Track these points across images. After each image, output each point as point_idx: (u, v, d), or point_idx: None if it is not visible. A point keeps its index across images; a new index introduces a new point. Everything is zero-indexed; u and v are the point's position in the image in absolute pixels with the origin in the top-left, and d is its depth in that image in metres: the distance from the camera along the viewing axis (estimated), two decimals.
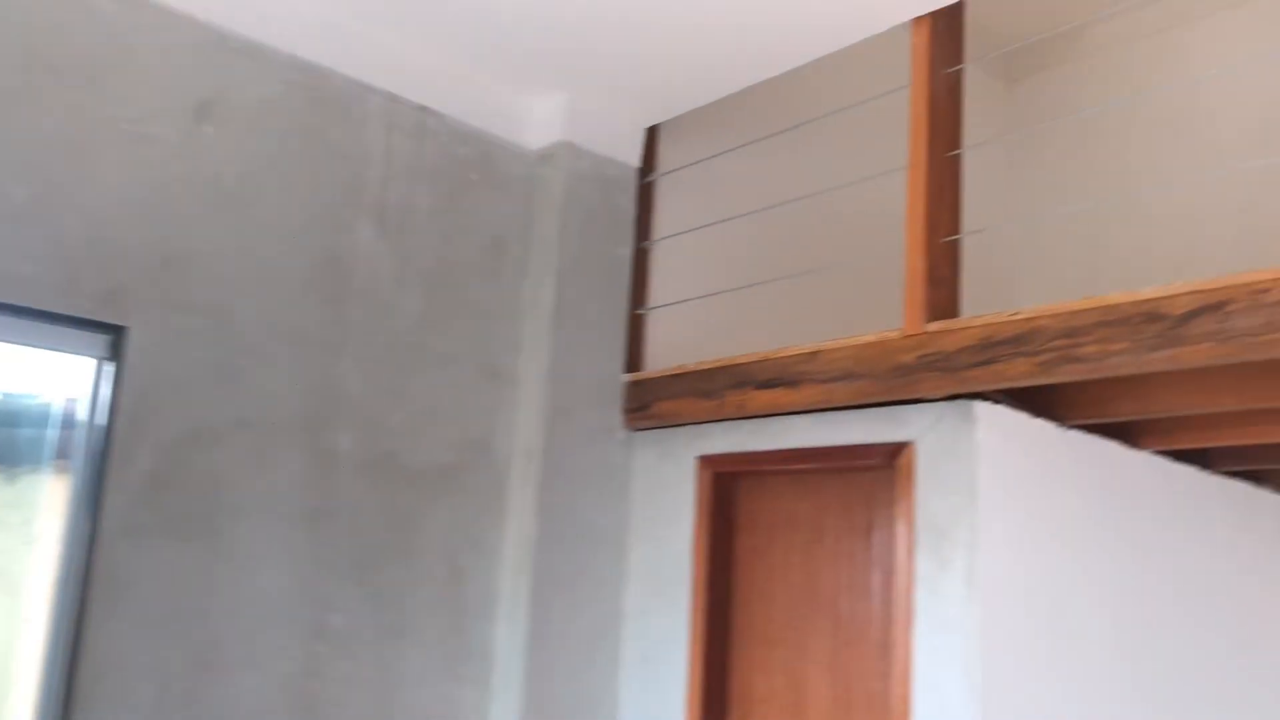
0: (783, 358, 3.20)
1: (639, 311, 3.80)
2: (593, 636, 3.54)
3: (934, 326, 2.87)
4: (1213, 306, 2.35)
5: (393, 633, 3.23)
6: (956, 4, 3.10)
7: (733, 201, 4.02)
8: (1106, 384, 3.04)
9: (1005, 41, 4.31)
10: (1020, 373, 2.67)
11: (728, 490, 3.51)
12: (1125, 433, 3.41)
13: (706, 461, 3.50)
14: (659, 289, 3.89)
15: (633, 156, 3.84)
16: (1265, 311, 2.27)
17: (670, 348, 3.87)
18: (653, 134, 3.93)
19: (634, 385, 3.70)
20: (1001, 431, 2.94)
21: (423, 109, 3.45)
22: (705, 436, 3.53)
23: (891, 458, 3.03)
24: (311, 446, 3.11)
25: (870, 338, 3.00)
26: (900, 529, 2.97)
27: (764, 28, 3.24)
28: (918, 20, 3.09)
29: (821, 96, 3.98)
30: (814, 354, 3.12)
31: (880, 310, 4.38)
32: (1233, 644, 3.77)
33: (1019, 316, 2.68)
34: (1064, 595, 3.10)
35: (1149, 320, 2.45)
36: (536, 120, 3.71)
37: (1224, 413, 3.25)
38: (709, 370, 3.42)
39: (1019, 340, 2.68)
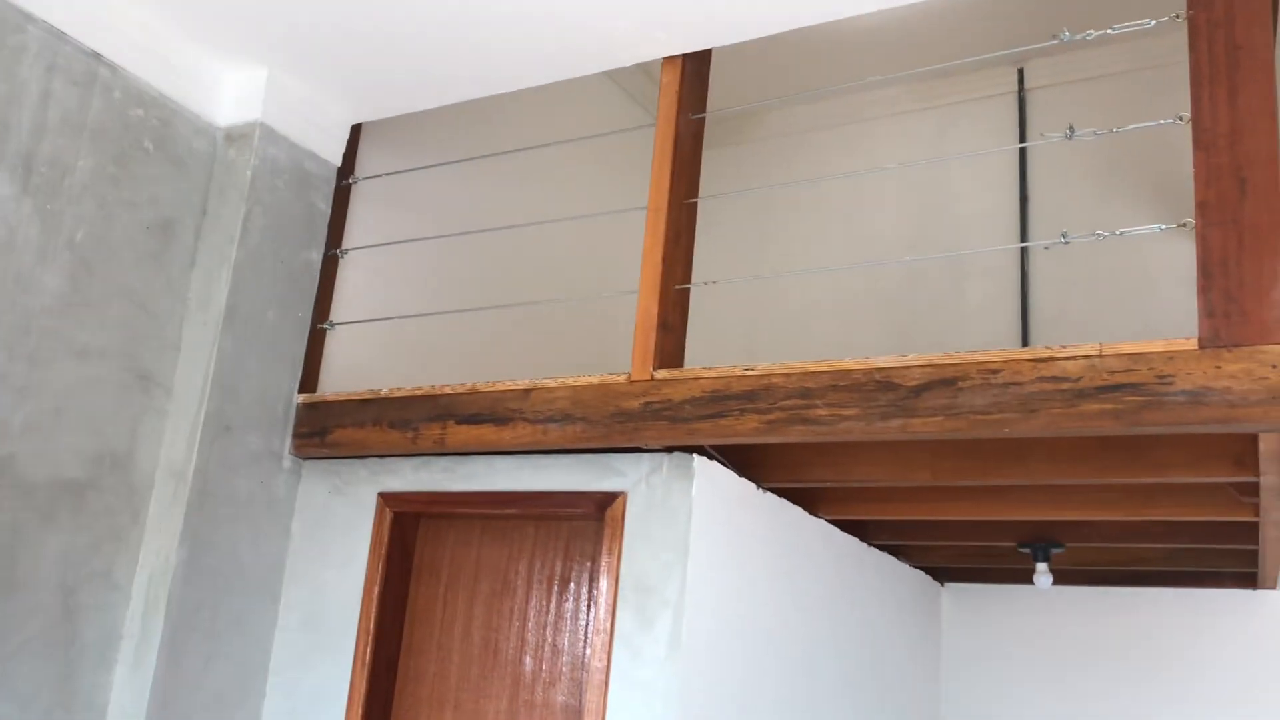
0: (494, 392, 2.95)
1: (323, 326, 3.41)
2: (234, 690, 3.06)
3: (662, 374, 2.75)
4: (945, 381, 2.40)
5: None
6: (706, 51, 3.06)
7: (441, 221, 3.74)
8: (810, 448, 3.07)
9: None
10: (749, 430, 2.60)
11: (410, 532, 3.18)
12: (807, 499, 3.46)
13: (389, 499, 3.16)
14: (347, 304, 3.51)
15: (334, 153, 3.46)
16: (994, 391, 2.34)
17: (352, 371, 3.50)
18: (357, 133, 3.58)
19: (310, 408, 3.29)
20: (714, 488, 2.87)
21: (95, 56, 2.90)
22: (391, 471, 3.19)
23: (601, 508, 2.86)
24: None
25: (593, 380, 2.83)
26: (603, 584, 2.80)
27: (501, 40, 3.03)
28: (669, 60, 3.01)
29: (544, 126, 3.82)
30: (529, 391, 2.90)
31: (581, 356, 4.27)
32: (878, 693, 3.93)
33: (752, 372, 2.62)
34: (758, 657, 3.05)
35: (883, 389, 2.46)
36: (230, 94, 3.25)
37: (895, 487, 3.39)
38: (405, 399, 3.10)
39: (750, 397, 2.61)
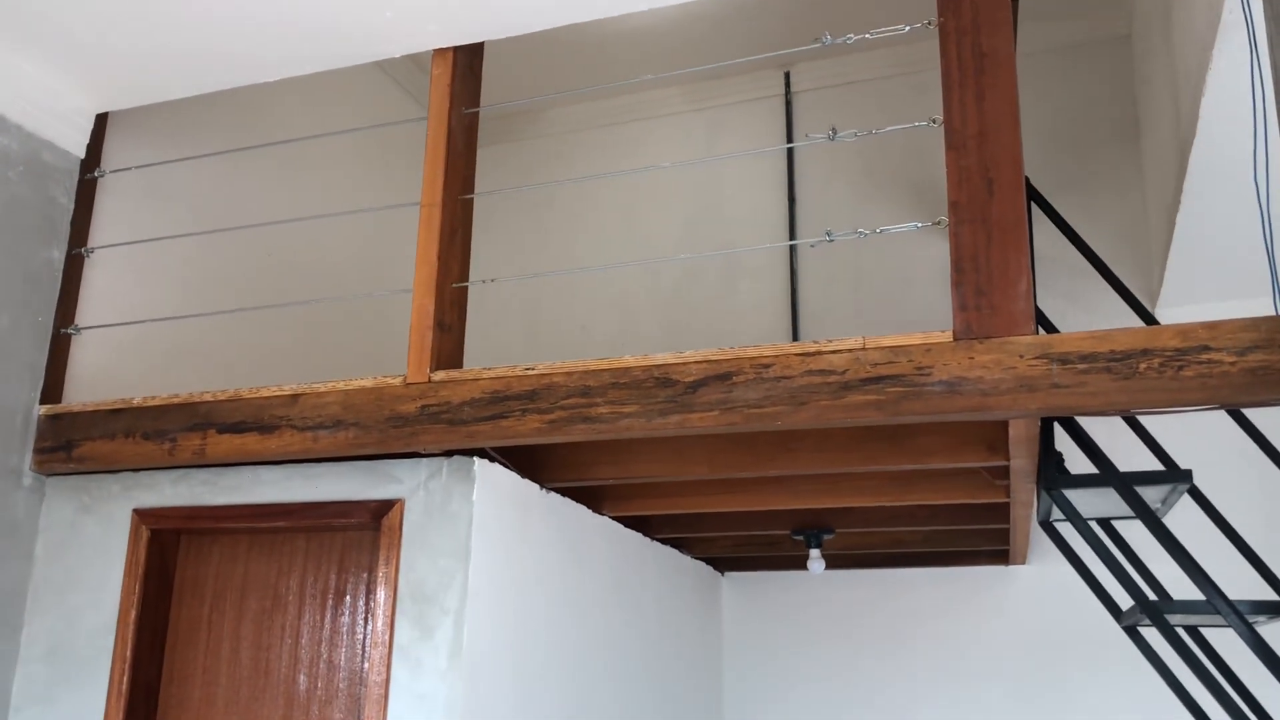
0: (258, 399, 2.80)
1: (67, 331, 3.14)
2: None
3: (440, 376, 2.67)
4: (720, 376, 2.43)
5: None
6: (478, 45, 3.00)
7: (200, 218, 3.53)
8: (592, 447, 3.06)
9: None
10: (531, 430, 2.56)
11: (169, 551, 2.98)
12: (591, 497, 3.46)
13: (145, 516, 2.94)
14: (95, 307, 3.25)
15: (77, 144, 3.20)
16: (766, 385, 2.39)
17: (102, 379, 3.25)
18: (104, 123, 3.32)
19: (53, 420, 3.02)
20: (495, 491, 2.81)
21: None
22: (147, 486, 2.97)
23: (377, 517, 2.76)
24: None
25: (366, 383, 2.72)
26: (381, 596, 2.70)
27: (261, 27, 2.87)
28: (440, 53, 2.93)
29: (314, 120, 3.66)
30: (296, 397, 2.77)
31: (354, 361, 4.11)
32: (663, 686, 3.97)
33: (532, 372, 2.58)
34: (541, 661, 3.02)
35: (661, 385, 2.48)
36: None
37: (675, 482, 3.44)
38: (160, 408, 2.89)
39: (531, 396, 2.58)
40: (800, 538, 3.82)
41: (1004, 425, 2.68)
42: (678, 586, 4.28)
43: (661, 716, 4.01)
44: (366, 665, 2.71)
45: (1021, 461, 2.66)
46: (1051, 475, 2.46)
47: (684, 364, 2.47)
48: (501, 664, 2.79)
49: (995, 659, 4.41)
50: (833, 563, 4.63)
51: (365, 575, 2.81)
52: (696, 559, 4.56)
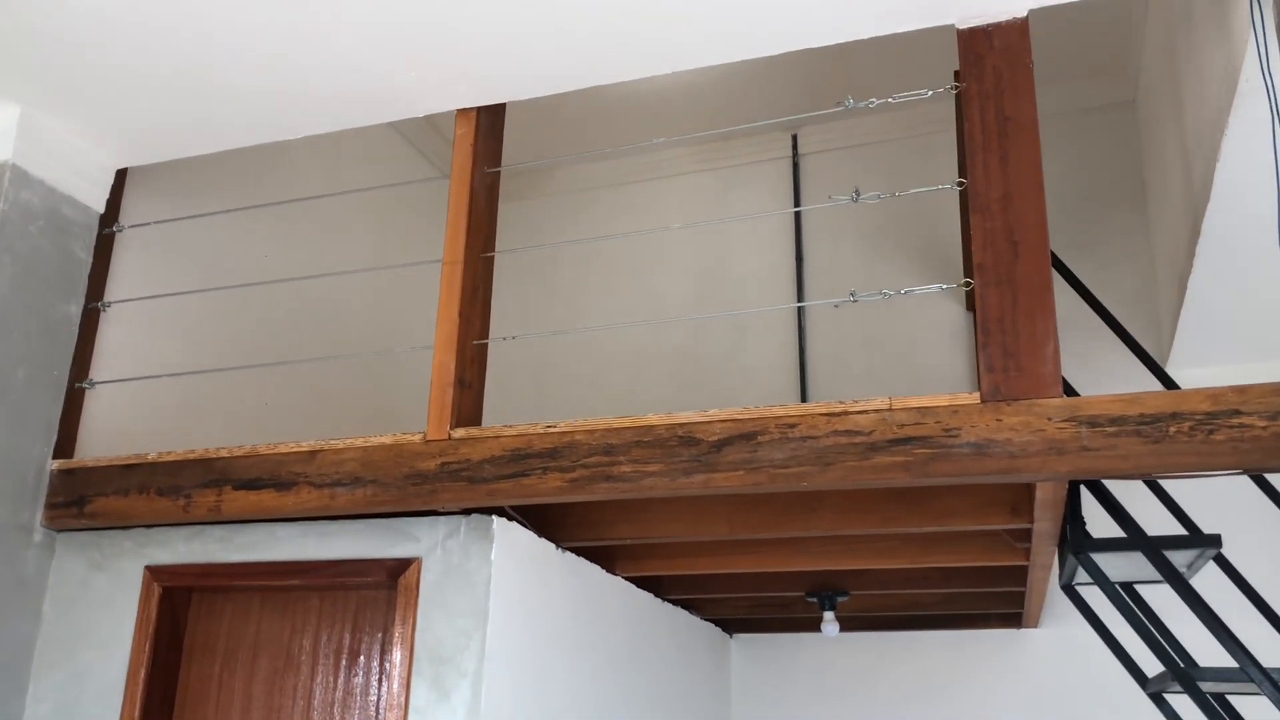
0: (275, 455, 2.78)
1: (81, 385, 3.13)
2: None
3: (460, 433, 2.66)
4: (745, 436, 2.42)
5: None
6: (500, 105, 3.03)
7: (215, 274, 3.54)
8: (611, 506, 3.04)
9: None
10: (552, 489, 2.54)
11: (181, 609, 2.94)
12: (605, 557, 3.43)
13: (157, 573, 2.90)
14: (110, 361, 3.25)
15: (97, 199, 3.21)
16: (791, 445, 2.38)
17: (116, 435, 3.23)
18: (123, 178, 3.33)
19: (65, 475, 3.00)
20: (513, 550, 2.79)
21: None
22: (160, 543, 2.94)
23: (394, 575, 2.73)
24: None
25: (386, 440, 2.71)
26: (396, 656, 2.66)
27: (283, 90, 2.90)
28: (464, 113, 2.95)
29: (327, 181, 3.68)
30: (314, 453, 2.75)
31: (368, 420, 4.10)
32: None
33: (554, 430, 2.57)
34: (553, 707, 2.98)
35: (685, 444, 2.47)
36: None
37: (691, 542, 3.41)
38: (176, 463, 2.87)
39: (552, 454, 2.56)
40: (814, 600, 3.79)
41: (1028, 487, 2.67)
42: (688, 647, 4.23)
43: None
44: None
45: (1045, 524, 2.64)
46: (1079, 539, 2.44)
47: (708, 423, 2.46)
48: None
49: (1015, 715, 4.35)
50: (844, 624, 4.58)
51: (380, 635, 2.77)
52: (706, 620, 4.51)
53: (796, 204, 5.25)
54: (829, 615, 3.77)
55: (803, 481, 2.36)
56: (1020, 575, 3.44)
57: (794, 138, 5.37)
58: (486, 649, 2.61)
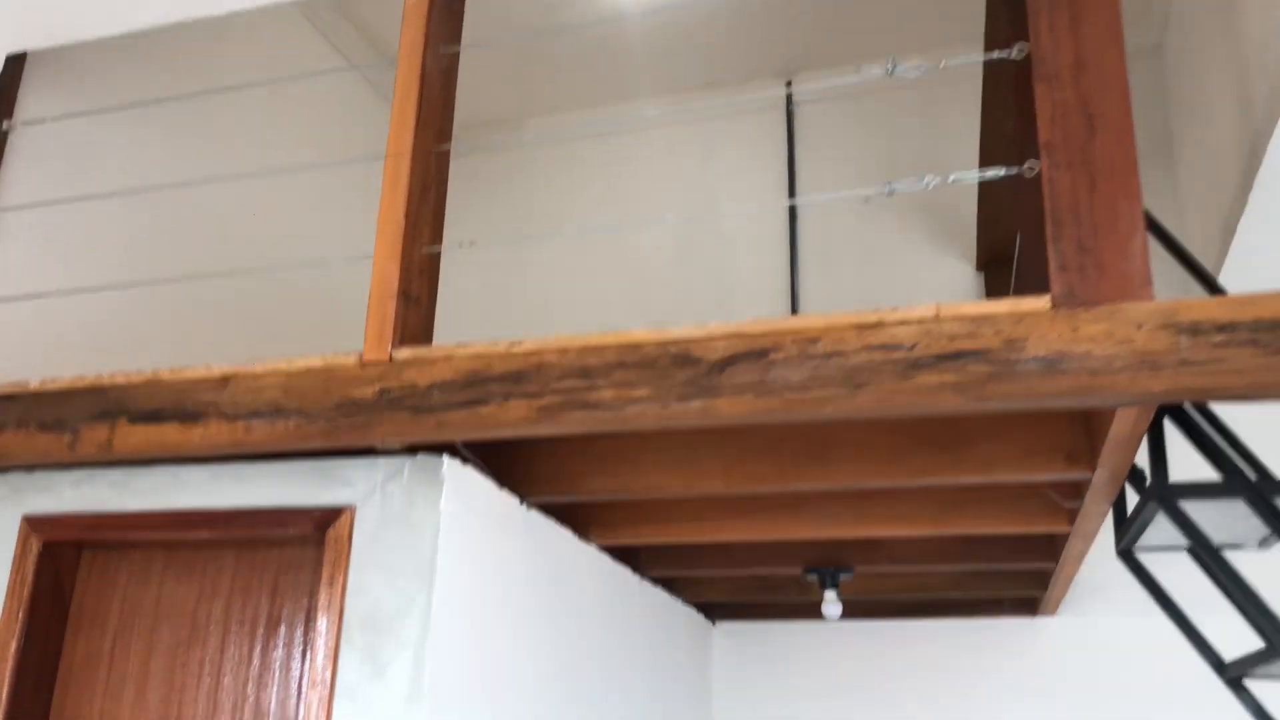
0: (181, 382, 2.29)
1: None
2: None
3: (404, 354, 2.18)
4: (754, 354, 1.96)
5: None
6: None
7: (124, 182, 3.05)
8: (585, 454, 2.58)
9: None
10: (517, 419, 2.07)
11: (66, 567, 2.44)
12: (578, 520, 2.97)
13: (37, 525, 2.41)
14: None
15: None
16: (813, 363, 1.92)
17: (4, 364, 2.74)
18: (20, 70, 2.84)
19: None
20: (467, 499, 2.32)
21: None
22: (42, 488, 2.45)
23: (321, 527, 2.25)
24: None
25: (314, 362, 2.23)
26: (322, 624, 2.19)
27: None
28: None
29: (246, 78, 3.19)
30: (227, 380, 2.26)
31: (299, 348, 3.61)
32: None
33: (519, 350, 2.10)
34: (516, 712, 2.50)
35: (679, 364, 2.00)
36: None
37: (676, 504, 2.97)
38: (61, 393, 2.38)
39: (516, 379, 2.09)
40: (814, 577, 3.34)
41: (1089, 428, 2.23)
42: (668, 633, 3.77)
43: None
44: (303, 710, 2.19)
45: (1107, 473, 2.20)
46: (1163, 485, 1.99)
47: (708, 339, 2.00)
48: (470, 705, 2.27)
49: (1024, 714, 3.91)
50: (842, 610, 4.14)
51: (305, 600, 2.29)
52: (688, 604, 4.05)
53: (790, 158, 4.82)
54: (830, 595, 3.32)
55: (826, 408, 1.90)
56: (1054, 547, 3.00)
57: (788, 84, 4.93)
58: (432, 616, 2.14)
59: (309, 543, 2.30)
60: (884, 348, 1.89)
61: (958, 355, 1.84)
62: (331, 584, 2.20)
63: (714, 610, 4.26)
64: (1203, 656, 2.28)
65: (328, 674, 2.15)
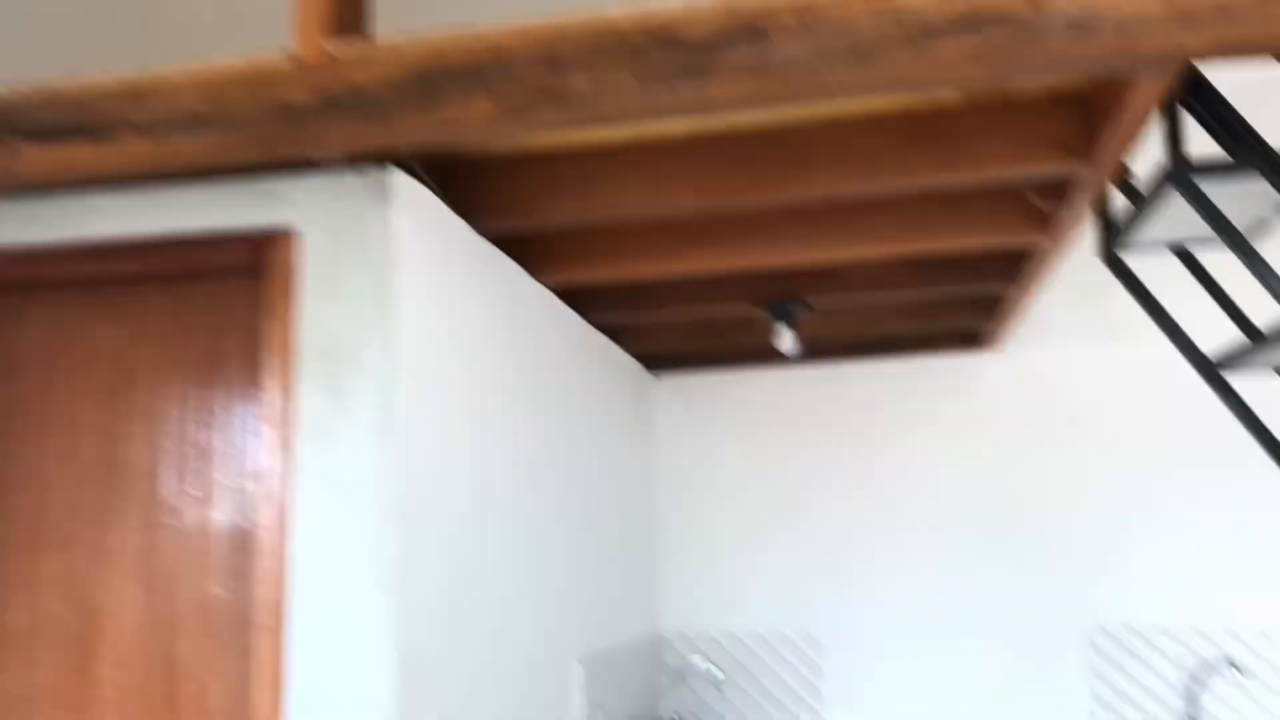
0: (83, 92, 2.00)
1: None
2: None
3: (342, 50, 1.92)
4: (748, 30, 1.76)
5: None
6: None
7: None
8: (543, 171, 2.38)
9: None
10: (479, 118, 1.84)
11: None
12: (529, 254, 2.80)
13: None
14: None
15: None
16: (815, 38, 1.72)
17: None
18: None
19: None
20: (420, 220, 2.12)
21: None
22: None
23: (263, 251, 2.04)
24: None
25: (236, 64, 1.95)
26: (274, 360, 2.01)
27: None
28: None
29: None
30: (139, 88, 1.98)
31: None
32: (604, 494, 3.41)
33: (477, 37, 1.86)
34: (485, 447, 2.39)
35: (663, 47, 1.79)
36: None
37: (633, 235, 2.81)
38: None
39: (477, 73, 1.86)
40: (768, 313, 3.24)
41: (1089, 119, 2.10)
42: (614, 384, 3.69)
43: (602, 524, 3.46)
44: (259, 449, 2.03)
45: (1103, 166, 2.09)
46: (1179, 159, 1.88)
47: (695, 17, 1.78)
48: (443, 444, 2.15)
49: (962, 454, 3.98)
50: (783, 357, 4.11)
51: (252, 332, 2.10)
52: (632, 354, 3.96)
53: None
54: (785, 330, 3.24)
55: (831, 86, 1.72)
56: (1017, 268, 2.94)
57: None
58: (396, 341, 1.97)
59: (251, 273, 2.08)
60: (894, 15, 1.70)
61: (976, 20, 1.67)
62: (283, 312, 2.00)
63: (657, 362, 4.19)
64: (1184, 354, 2.26)
65: (287, 412, 1.98)
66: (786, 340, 3.24)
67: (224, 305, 2.12)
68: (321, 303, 2.00)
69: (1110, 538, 3.83)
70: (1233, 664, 3.65)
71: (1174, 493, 3.80)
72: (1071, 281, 3.83)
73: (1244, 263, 1.78)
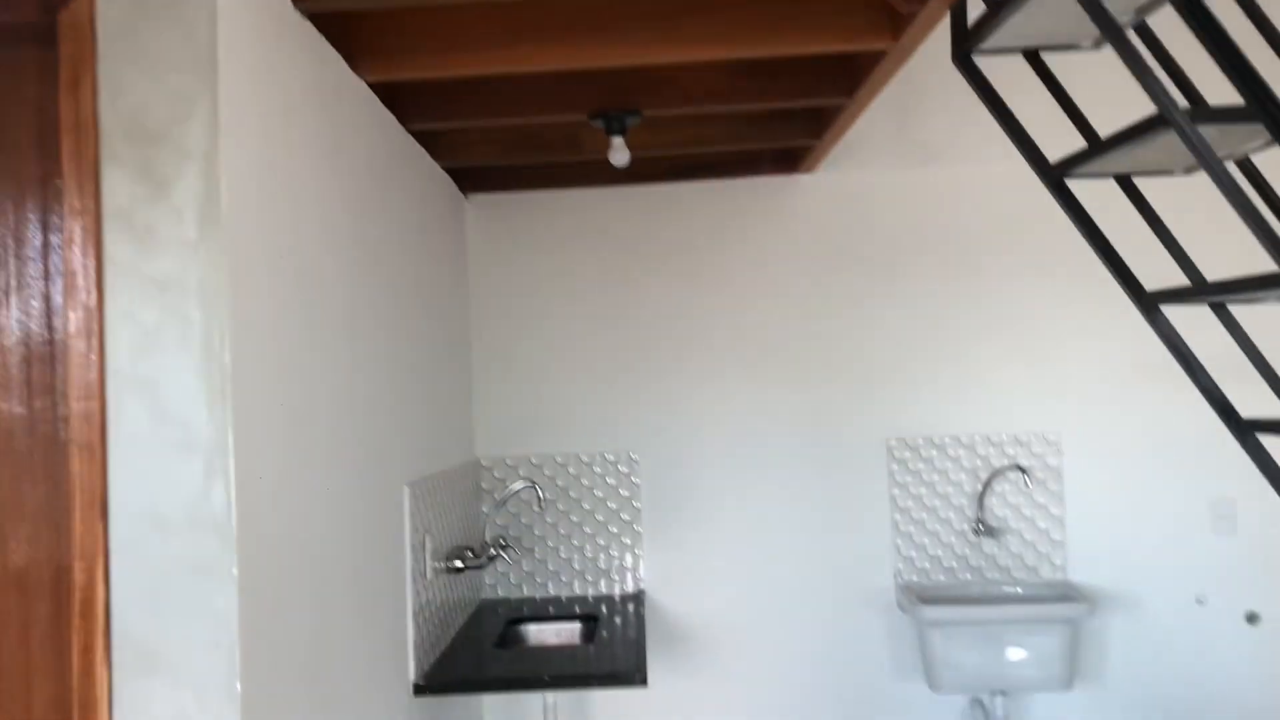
0: None
1: None
2: None
3: None
4: None
5: None
6: None
7: None
8: None
9: None
10: None
11: None
12: (350, 42, 2.54)
13: None
14: None
15: None
16: None
17: None
18: None
19: None
20: None
21: None
22: None
23: (49, 11, 1.73)
24: None
25: None
26: (73, 141, 1.73)
27: None
28: None
29: None
30: None
31: None
32: (422, 315, 3.25)
33: None
34: (315, 250, 2.19)
35: None
36: None
37: (458, 20, 2.59)
38: None
39: None
40: (600, 123, 3.10)
41: None
42: (427, 201, 3.47)
43: (423, 348, 3.31)
44: (60, 244, 1.77)
45: None
46: None
47: None
48: (272, 243, 1.94)
49: (784, 271, 4.03)
50: (604, 179, 3.99)
51: (47, 112, 1.80)
52: (444, 169, 3.74)
53: None
54: (618, 141, 3.11)
55: None
56: (855, 78, 2.90)
57: None
58: (220, 119, 1.73)
59: (31, 39, 1.77)
60: None
61: None
62: (77, 85, 1.72)
63: (468, 179, 3.98)
64: (1030, 161, 2.29)
65: (90, 200, 1.72)
66: (619, 152, 3.11)
67: (10, 81, 1.80)
68: (127, 71, 1.73)
69: (913, 354, 3.99)
70: (1019, 468, 3.92)
71: (976, 310, 3.98)
72: (881, 102, 3.87)
73: (1122, 58, 1.78)
